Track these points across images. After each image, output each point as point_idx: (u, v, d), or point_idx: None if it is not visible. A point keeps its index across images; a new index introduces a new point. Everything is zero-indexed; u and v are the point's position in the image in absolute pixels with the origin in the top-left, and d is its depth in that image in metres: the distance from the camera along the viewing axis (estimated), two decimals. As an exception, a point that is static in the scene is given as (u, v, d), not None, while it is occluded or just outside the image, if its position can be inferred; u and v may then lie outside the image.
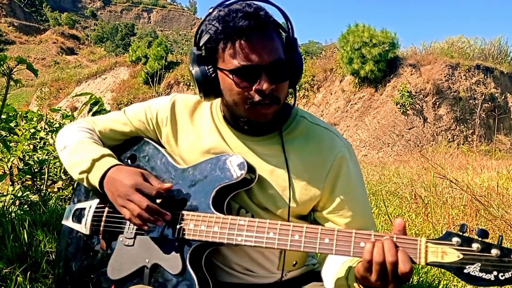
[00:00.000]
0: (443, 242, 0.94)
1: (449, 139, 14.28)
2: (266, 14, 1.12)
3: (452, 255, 0.92)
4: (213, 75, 1.19)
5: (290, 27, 1.19)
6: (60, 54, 53.75)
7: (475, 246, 0.91)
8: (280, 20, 1.19)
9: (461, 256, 0.91)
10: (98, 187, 1.27)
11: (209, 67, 1.19)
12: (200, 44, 1.18)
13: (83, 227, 1.41)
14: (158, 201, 1.20)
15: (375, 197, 5.22)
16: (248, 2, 1.13)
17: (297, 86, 1.26)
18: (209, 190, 1.22)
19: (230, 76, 1.14)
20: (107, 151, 1.32)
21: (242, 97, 1.16)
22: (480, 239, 0.91)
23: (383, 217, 4.13)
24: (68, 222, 1.47)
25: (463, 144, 14.08)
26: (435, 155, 10.78)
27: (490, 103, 14.72)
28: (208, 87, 1.21)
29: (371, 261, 0.96)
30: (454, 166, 7.80)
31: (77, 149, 1.33)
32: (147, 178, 1.22)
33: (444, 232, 0.96)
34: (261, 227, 1.11)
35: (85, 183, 1.32)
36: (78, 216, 1.45)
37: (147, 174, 1.24)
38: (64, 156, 1.38)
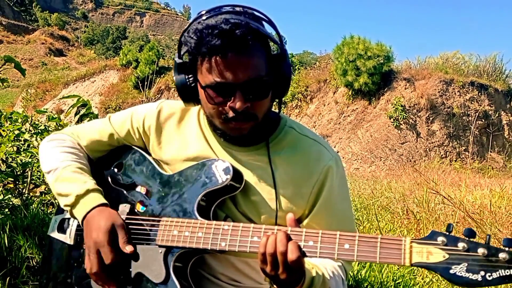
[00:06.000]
0: (428, 242, 0.92)
1: (442, 155, 14.40)
2: (244, 31, 1.08)
3: (437, 255, 0.90)
4: (192, 84, 1.21)
5: (279, 38, 1.19)
6: (48, 55, 53.52)
7: (461, 245, 0.89)
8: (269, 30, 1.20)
9: (447, 256, 0.89)
10: (81, 224, 1.26)
11: (189, 76, 1.21)
12: (181, 54, 1.21)
13: (68, 238, 1.40)
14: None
15: (367, 211, 5.23)
16: (227, 17, 1.10)
17: (286, 97, 1.26)
18: (194, 196, 1.22)
19: (205, 90, 1.16)
20: (92, 184, 1.30)
21: (216, 112, 1.17)
22: (466, 238, 0.90)
23: (375, 232, 4.13)
24: (54, 234, 1.46)
25: (455, 160, 14.21)
26: (428, 170, 10.87)
27: (483, 120, 14.91)
28: (188, 95, 1.23)
29: (265, 253, 1.03)
30: (447, 183, 7.87)
31: (61, 178, 1.31)
32: (118, 232, 1.20)
33: (429, 232, 0.94)
34: (245, 231, 1.11)
35: (70, 216, 1.32)
36: (63, 226, 1.45)
37: (120, 226, 1.21)
38: (49, 181, 1.36)
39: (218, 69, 1.11)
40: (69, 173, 1.32)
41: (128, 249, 1.19)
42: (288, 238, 1.03)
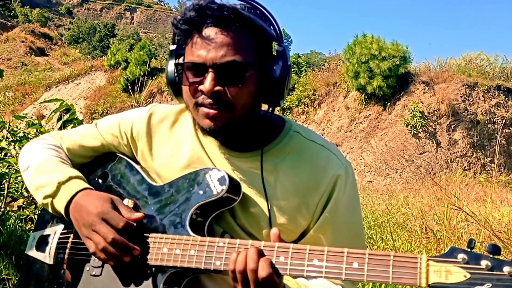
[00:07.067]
0: (446, 260, 0.90)
1: (465, 167, 14.37)
2: (222, 6, 1.12)
3: (457, 274, 0.88)
4: (180, 71, 1.23)
5: (278, 32, 1.20)
6: (29, 54, 53.79)
7: (484, 263, 0.87)
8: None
9: (468, 275, 0.87)
10: (63, 214, 1.26)
11: (178, 62, 1.24)
12: (175, 40, 1.24)
13: (47, 257, 1.40)
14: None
15: (381, 229, 5.21)
16: None
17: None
18: (186, 210, 1.21)
19: (184, 72, 1.18)
20: (75, 172, 1.32)
21: (189, 97, 1.19)
22: (490, 255, 0.87)
23: (390, 253, 4.11)
24: (32, 252, 1.46)
25: (480, 173, 14.17)
26: (449, 184, 10.82)
27: (511, 128, 14.89)
28: (175, 85, 1.25)
29: (235, 271, 1.04)
30: (470, 198, 7.83)
31: (41, 170, 1.33)
32: (117, 205, 1.22)
33: (448, 249, 0.92)
34: (243, 248, 1.09)
35: (49, 209, 1.31)
36: (42, 244, 1.44)
37: (118, 200, 1.24)
38: (27, 177, 1.37)
39: (194, 47, 1.15)
40: (50, 164, 1.33)
41: (137, 215, 1.19)
42: (260, 254, 1.03)
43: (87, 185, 1.29)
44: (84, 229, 1.20)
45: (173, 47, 1.25)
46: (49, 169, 1.32)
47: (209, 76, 1.12)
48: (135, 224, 1.20)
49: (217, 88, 1.13)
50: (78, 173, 1.33)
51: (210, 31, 1.13)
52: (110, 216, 1.18)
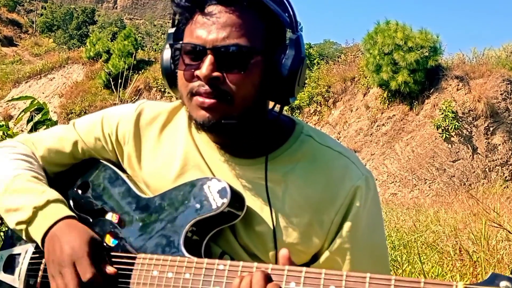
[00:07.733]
0: None
1: (506, 177, 14.33)
2: None
3: None
4: (177, 57, 1.23)
5: (293, 20, 1.20)
6: (-5, 44, 54.04)
7: None
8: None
9: None
10: (40, 244, 1.26)
11: (176, 46, 1.24)
12: (175, 21, 1.26)
13: (16, 280, 1.39)
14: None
15: (408, 250, 5.20)
16: None
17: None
18: (180, 226, 1.21)
19: (181, 56, 1.19)
20: (52, 194, 1.31)
21: (184, 84, 1.19)
22: None
23: (418, 277, 4.10)
24: None
25: (524, 184, 14.13)
26: (487, 197, 10.80)
27: (560, 131, 14.85)
28: (171, 73, 1.26)
29: None
30: (513, 213, 7.82)
31: (12, 188, 1.31)
32: (96, 250, 1.21)
33: (489, 275, 0.91)
34: (247, 272, 1.09)
35: (23, 236, 1.30)
36: (11, 265, 1.43)
37: (99, 244, 1.24)
38: None
39: (194, 27, 1.16)
40: (22, 182, 1.32)
41: (108, 270, 1.19)
42: (267, 280, 1.03)
43: (68, 212, 1.28)
44: (52, 266, 1.20)
45: (172, 30, 1.25)
46: (22, 188, 1.30)
47: (208, 60, 1.13)
48: (101, 280, 1.19)
49: (216, 74, 1.13)
50: (56, 195, 1.31)
51: (213, 9, 1.14)
52: (81, 263, 1.17)
